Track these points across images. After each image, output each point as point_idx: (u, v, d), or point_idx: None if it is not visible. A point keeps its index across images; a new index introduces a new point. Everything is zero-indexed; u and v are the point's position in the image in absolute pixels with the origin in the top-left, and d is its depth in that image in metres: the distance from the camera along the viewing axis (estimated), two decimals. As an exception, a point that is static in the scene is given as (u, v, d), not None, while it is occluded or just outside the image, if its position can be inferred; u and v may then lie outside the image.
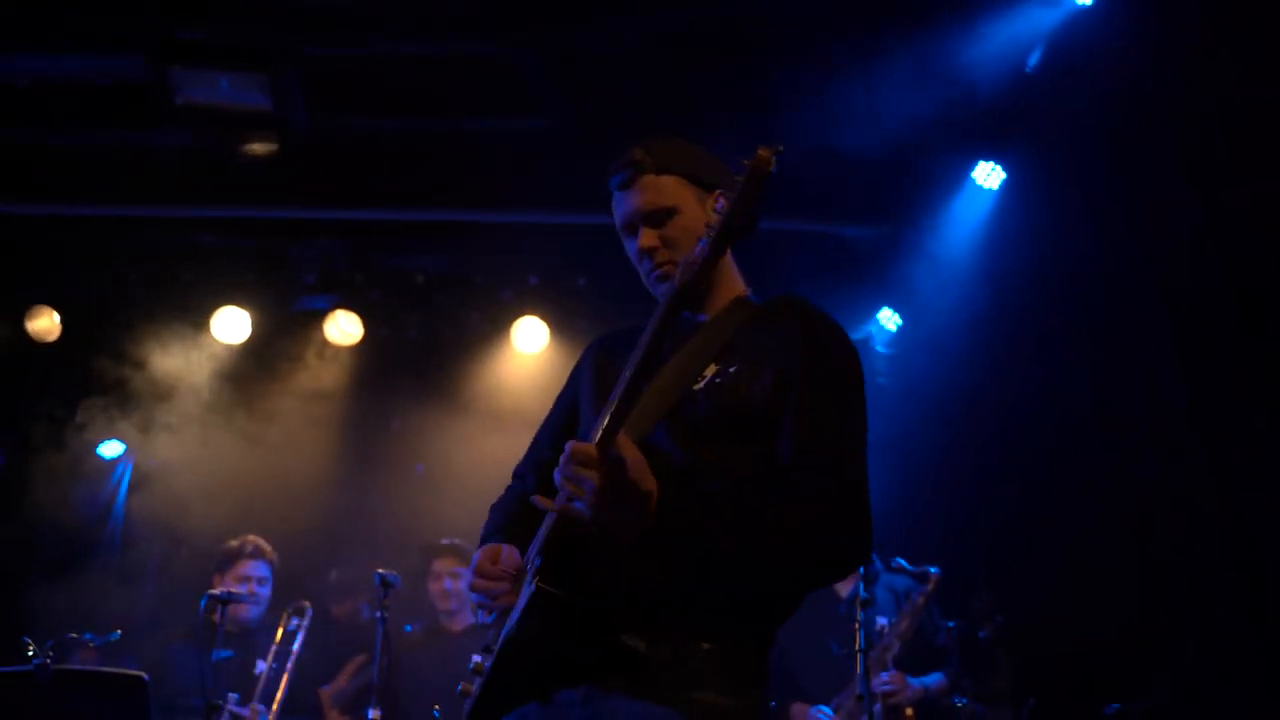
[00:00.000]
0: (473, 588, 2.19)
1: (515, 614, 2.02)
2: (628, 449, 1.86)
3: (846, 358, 2.20)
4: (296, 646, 5.02)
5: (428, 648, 5.75)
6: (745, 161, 1.85)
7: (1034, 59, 5.41)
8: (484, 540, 2.36)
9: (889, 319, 7.17)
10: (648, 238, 2.28)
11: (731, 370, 2.13)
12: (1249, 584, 4.33)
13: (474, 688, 2.19)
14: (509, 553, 2.20)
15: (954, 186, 6.18)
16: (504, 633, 2.06)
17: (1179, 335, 4.78)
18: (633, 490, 1.86)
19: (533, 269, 7.20)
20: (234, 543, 5.52)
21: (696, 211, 2.28)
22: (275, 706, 4.87)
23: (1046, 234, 5.64)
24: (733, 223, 1.87)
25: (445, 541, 5.95)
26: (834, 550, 2.01)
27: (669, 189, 2.29)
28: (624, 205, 2.32)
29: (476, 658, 2.19)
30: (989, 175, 6.02)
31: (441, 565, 5.81)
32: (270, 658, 4.97)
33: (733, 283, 2.37)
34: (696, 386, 2.14)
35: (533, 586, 1.96)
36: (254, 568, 5.44)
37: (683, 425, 2.12)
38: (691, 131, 6.24)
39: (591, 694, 2.03)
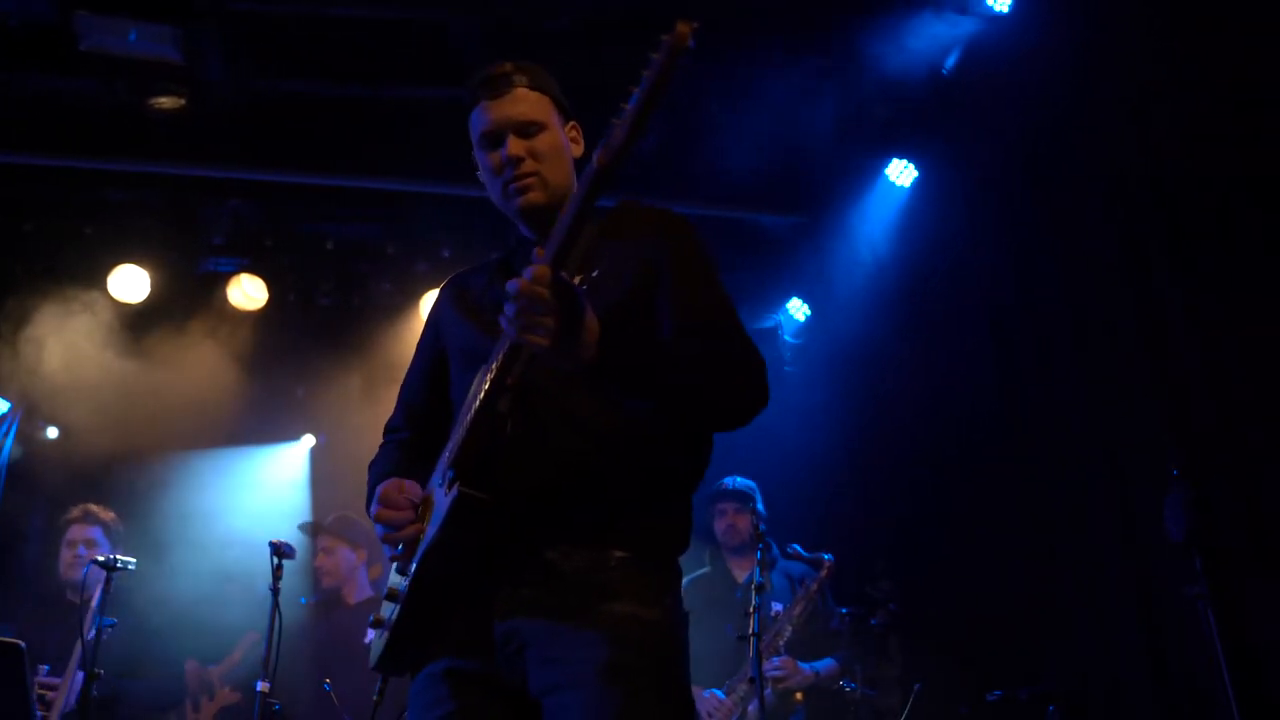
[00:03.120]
0: (377, 517, 2.15)
1: (434, 526, 2.01)
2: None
3: (702, 240, 2.32)
4: (94, 604, 4.43)
5: (322, 621, 5.68)
6: (664, 36, 1.79)
7: (950, 62, 5.53)
8: (378, 482, 2.29)
9: (798, 309, 7.28)
10: (517, 146, 2.26)
11: (594, 275, 2.18)
12: (1136, 578, 4.49)
13: (386, 621, 2.18)
14: (411, 485, 2.18)
15: (868, 182, 6.29)
16: (422, 549, 2.04)
17: (1080, 333, 4.93)
18: (582, 317, 1.89)
19: (446, 242, 7.13)
20: (73, 511, 5.26)
21: (559, 134, 2.32)
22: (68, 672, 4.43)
23: (956, 232, 5.77)
24: (653, 98, 1.79)
25: (331, 518, 5.89)
26: (758, 387, 2.14)
27: (541, 105, 2.31)
28: (492, 113, 2.29)
29: (385, 610, 2.18)
30: (902, 172, 6.13)
31: (322, 542, 5.76)
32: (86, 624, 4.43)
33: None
34: None
35: (455, 492, 1.96)
36: (81, 531, 5.15)
37: None
38: (613, 114, 6.21)
39: (510, 618, 2.07)
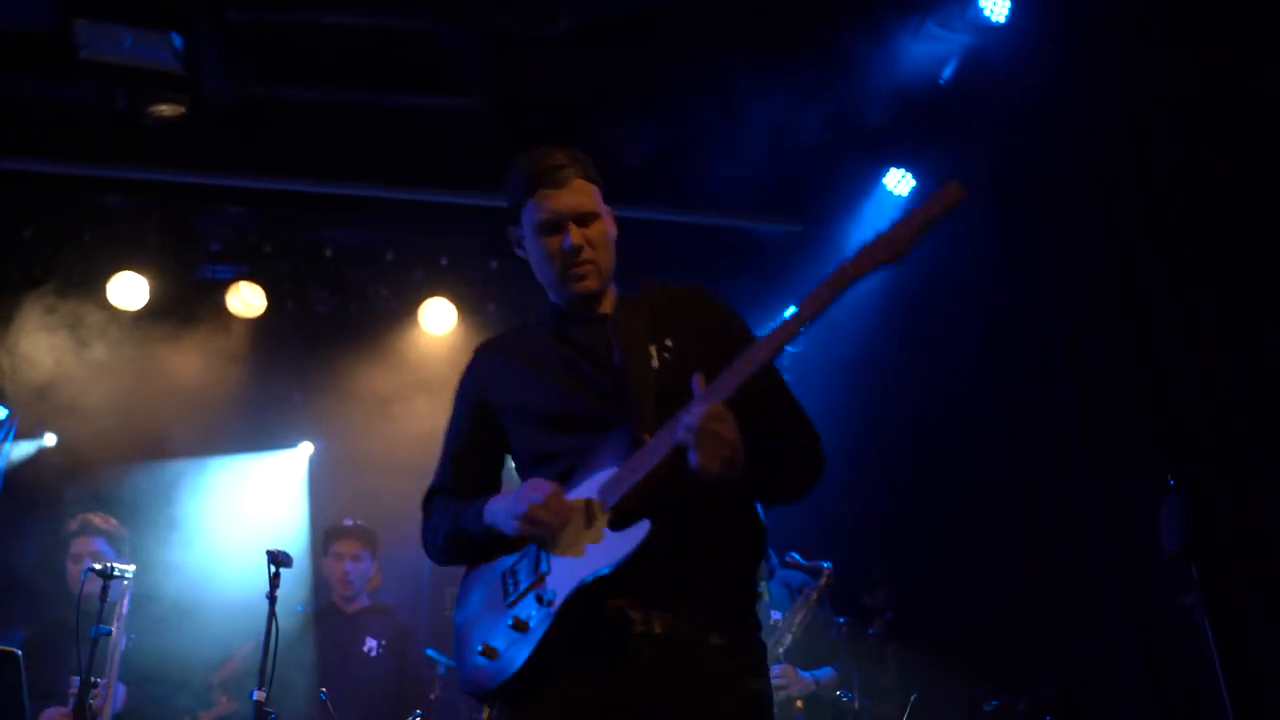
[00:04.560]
0: (533, 513, 2.29)
1: (620, 551, 2.20)
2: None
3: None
4: (124, 612, 4.53)
5: (319, 629, 5.67)
6: (946, 186, 2.08)
7: (948, 72, 5.55)
8: (467, 507, 2.49)
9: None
10: (578, 236, 2.45)
11: (669, 344, 2.45)
12: (1133, 588, 4.50)
13: (501, 650, 2.32)
14: (559, 493, 2.34)
15: (865, 191, 6.30)
16: (601, 570, 2.21)
17: (1076, 342, 4.94)
18: (741, 448, 2.18)
19: (445, 249, 7.14)
20: (71, 524, 5.28)
21: (608, 222, 2.54)
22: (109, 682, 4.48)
23: (954, 242, 5.78)
24: (921, 230, 2.11)
25: (348, 523, 5.87)
26: (822, 465, 2.51)
27: (593, 195, 2.51)
28: (552, 203, 2.46)
29: (506, 619, 2.33)
30: (899, 182, 6.14)
31: (344, 546, 5.74)
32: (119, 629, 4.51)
33: (612, 285, 2.62)
34: (655, 366, 2.43)
35: (647, 524, 2.18)
36: (85, 544, 5.16)
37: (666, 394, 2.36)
38: (609, 122, 6.23)
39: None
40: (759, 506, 2.50)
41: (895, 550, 5.76)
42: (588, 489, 2.31)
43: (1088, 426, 4.81)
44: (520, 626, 2.29)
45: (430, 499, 2.70)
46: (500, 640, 2.33)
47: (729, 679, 2.28)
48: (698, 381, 2.21)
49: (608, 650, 2.25)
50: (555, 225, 2.47)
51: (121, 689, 4.73)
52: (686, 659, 2.25)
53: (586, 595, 2.23)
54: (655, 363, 2.42)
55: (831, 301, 2.19)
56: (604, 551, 2.22)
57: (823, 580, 5.20)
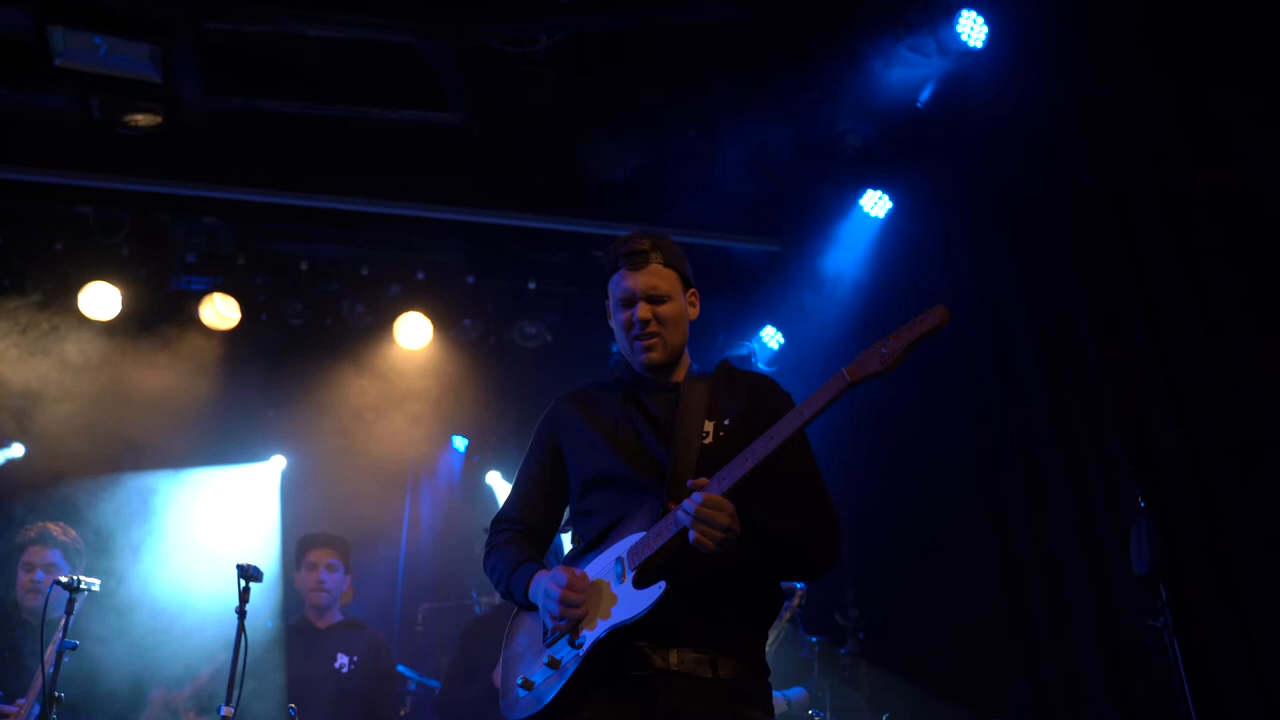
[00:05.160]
0: (564, 597, 2.62)
1: (639, 607, 2.53)
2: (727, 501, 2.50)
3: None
4: (59, 632, 4.23)
5: (291, 644, 5.61)
6: (932, 312, 2.43)
7: (925, 95, 5.59)
8: (518, 564, 2.84)
9: (771, 337, 7.31)
10: (646, 311, 2.81)
11: (726, 423, 2.76)
12: (1103, 609, 4.53)
13: (564, 666, 2.63)
14: (582, 576, 2.68)
15: (842, 212, 6.33)
16: (611, 624, 2.56)
17: (1047, 365, 4.98)
18: (737, 526, 2.48)
19: (422, 264, 7.13)
20: (29, 530, 5.07)
21: (682, 303, 2.87)
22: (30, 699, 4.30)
23: (929, 263, 5.82)
24: (909, 349, 2.46)
25: (330, 535, 5.82)
26: (834, 554, 2.76)
27: (670, 279, 2.85)
28: (630, 281, 2.83)
29: (544, 657, 2.67)
30: (876, 203, 6.18)
31: (318, 555, 5.68)
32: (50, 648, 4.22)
33: (686, 356, 2.96)
34: (707, 441, 2.75)
35: (664, 584, 2.50)
36: (40, 554, 4.97)
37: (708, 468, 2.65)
38: (589, 140, 6.24)
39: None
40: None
41: (867, 571, 5.77)
42: (620, 548, 2.65)
43: (1060, 449, 4.84)
44: (554, 664, 2.64)
45: (497, 525, 3.03)
46: (538, 675, 2.70)
47: (734, 709, 2.58)
48: (694, 484, 2.52)
49: (629, 683, 2.58)
50: (629, 301, 2.83)
51: (37, 708, 4.48)
52: (697, 688, 2.57)
53: (611, 640, 2.56)
54: (709, 439, 2.75)
55: (829, 404, 2.54)
56: (627, 606, 2.56)
57: (795, 600, 5.21)
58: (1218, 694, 3.86)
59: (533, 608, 2.78)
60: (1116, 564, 4.15)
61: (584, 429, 2.89)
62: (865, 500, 6.15)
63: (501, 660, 2.89)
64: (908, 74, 5.42)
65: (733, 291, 7.02)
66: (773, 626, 5.12)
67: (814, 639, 5.32)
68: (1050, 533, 4.89)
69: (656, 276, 2.83)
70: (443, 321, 7.21)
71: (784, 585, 5.19)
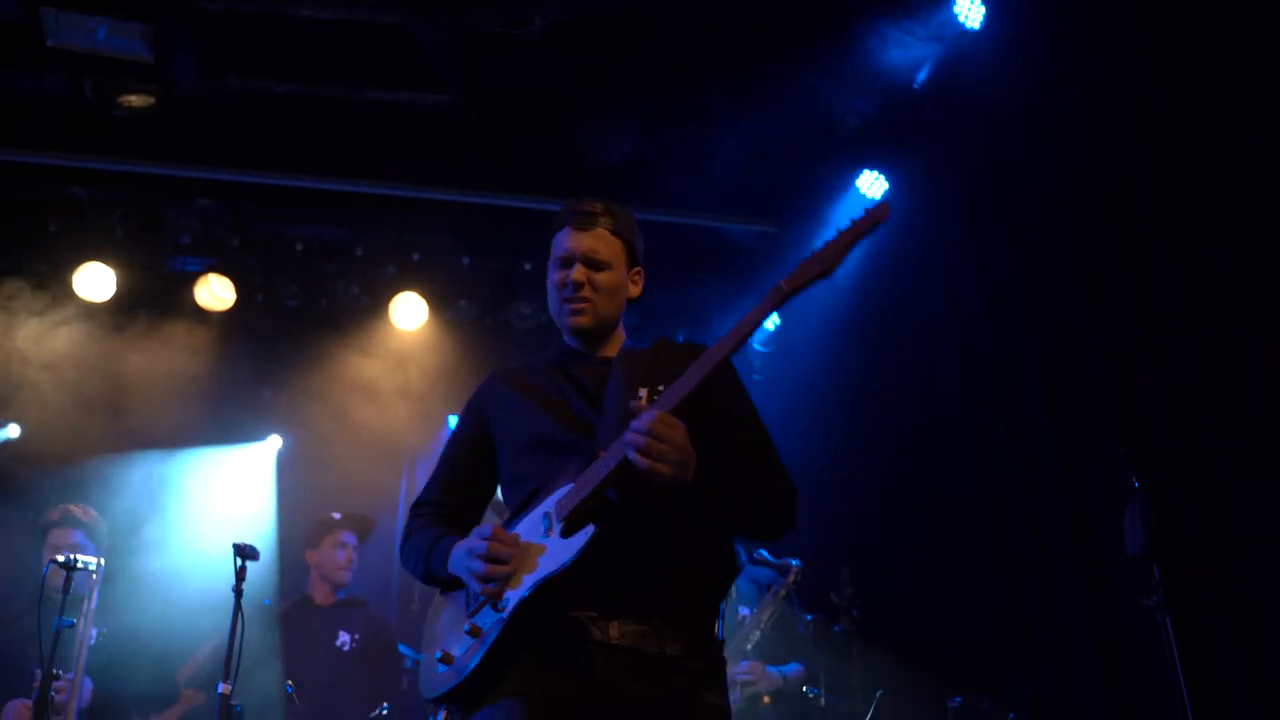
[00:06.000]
0: (491, 552, 2.38)
1: (558, 559, 2.31)
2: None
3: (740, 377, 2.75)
4: (91, 606, 4.51)
5: (289, 621, 5.65)
6: (869, 209, 2.28)
7: (922, 76, 5.59)
8: (438, 539, 2.60)
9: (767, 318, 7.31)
10: (581, 273, 2.65)
11: (661, 388, 2.49)
12: (1096, 589, 4.56)
13: (457, 657, 2.43)
14: (511, 534, 2.46)
15: (838, 193, 6.33)
16: (537, 579, 2.33)
17: (1042, 345, 5.00)
18: (691, 450, 2.29)
19: (417, 245, 7.12)
20: (52, 513, 5.22)
21: (622, 276, 2.72)
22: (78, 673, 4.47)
23: (925, 244, 5.83)
24: (845, 249, 2.31)
25: (337, 515, 5.87)
26: (793, 513, 2.56)
27: (615, 248, 2.70)
28: (571, 241, 2.68)
29: (465, 627, 2.43)
30: (872, 184, 6.18)
31: (340, 536, 5.75)
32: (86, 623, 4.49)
33: (620, 333, 2.80)
34: (640, 403, 2.48)
35: (591, 528, 2.28)
36: (64, 536, 5.11)
37: None
38: (584, 122, 6.21)
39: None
40: (736, 543, 2.66)
41: (862, 549, 5.80)
42: (547, 504, 2.43)
43: (1054, 429, 4.86)
44: (475, 633, 2.41)
45: (415, 510, 2.80)
46: (458, 648, 2.45)
47: (684, 690, 2.37)
48: (635, 404, 2.33)
49: (563, 656, 2.34)
50: (567, 261, 2.68)
51: (89, 684, 4.69)
52: (642, 667, 2.34)
53: (537, 600, 2.33)
54: (643, 401, 2.50)
55: (768, 316, 2.37)
56: (553, 557, 2.34)
57: (790, 577, 5.23)
58: (1210, 671, 3.89)
59: (457, 585, 2.56)
60: (1111, 544, 4.18)
61: (514, 400, 2.71)
62: (859, 479, 6.18)
63: (422, 646, 2.65)
64: (905, 55, 5.41)
65: (729, 273, 7.02)
66: (768, 604, 5.19)
67: (809, 616, 5.35)
68: (1045, 512, 4.92)
69: (600, 241, 2.67)
70: (438, 302, 7.21)
71: (778, 562, 5.26)
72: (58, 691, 4.35)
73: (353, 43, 5.66)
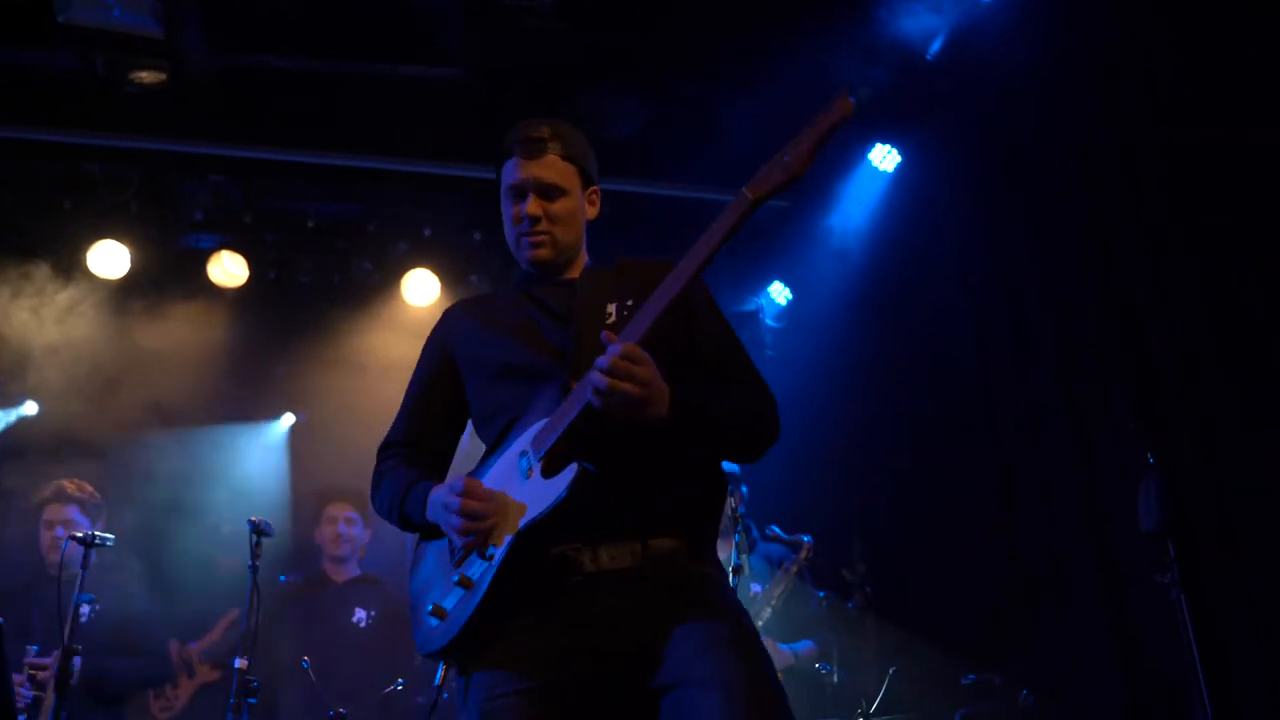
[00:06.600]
0: (464, 508, 2.30)
1: (544, 501, 2.23)
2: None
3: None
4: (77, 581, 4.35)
5: (305, 598, 5.68)
6: (836, 100, 2.15)
7: (935, 48, 5.53)
8: (411, 484, 2.51)
9: (779, 293, 7.29)
10: (535, 206, 2.53)
11: (630, 303, 2.45)
12: (1109, 565, 4.55)
13: (449, 610, 2.35)
14: (483, 484, 2.37)
15: (850, 167, 6.29)
16: (526, 522, 2.26)
17: (1056, 319, 4.96)
18: (660, 384, 2.21)
19: (428, 221, 7.11)
20: (45, 489, 5.22)
21: (578, 200, 2.60)
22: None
23: (938, 217, 5.79)
24: (814, 150, 2.18)
25: (341, 486, 5.87)
26: (775, 427, 2.49)
27: (568, 174, 2.57)
28: (522, 171, 2.54)
29: (454, 578, 2.34)
30: (885, 158, 6.14)
31: (336, 509, 5.74)
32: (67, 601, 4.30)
33: (583, 255, 2.68)
34: (610, 321, 2.45)
35: (575, 467, 2.20)
36: (58, 511, 5.11)
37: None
38: (594, 96, 6.17)
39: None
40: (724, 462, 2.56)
41: (875, 526, 5.79)
42: (523, 441, 2.36)
43: (1067, 405, 4.84)
44: (466, 583, 2.33)
45: (384, 453, 2.71)
46: (449, 600, 2.38)
47: (678, 574, 2.31)
48: (606, 335, 2.22)
49: (556, 594, 2.29)
50: (519, 193, 2.56)
51: (77, 661, 4.61)
52: (634, 581, 2.28)
53: (525, 545, 2.27)
54: (612, 319, 2.45)
55: (737, 228, 2.24)
56: (538, 500, 2.26)
57: (802, 554, 5.23)
58: (1223, 648, 3.88)
59: (437, 533, 2.46)
60: (1124, 520, 4.16)
61: (478, 329, 2.60)
62: (871, 455, 6.17)
63: (410, 594, 2.56)
64: (918, 26, 5.36)
65: (740, 247, 6.98)
66: (780, 580, 5.19)
67: (821, 593, 5.35)
68: (1058, 489, 4.90)
69: (552, 169, 2.54)
70: (450, 278, 7.20)
71: (790, 538, 5.26)
72: (43, 668, 4.34)
73: (362, 17, 5.63)
